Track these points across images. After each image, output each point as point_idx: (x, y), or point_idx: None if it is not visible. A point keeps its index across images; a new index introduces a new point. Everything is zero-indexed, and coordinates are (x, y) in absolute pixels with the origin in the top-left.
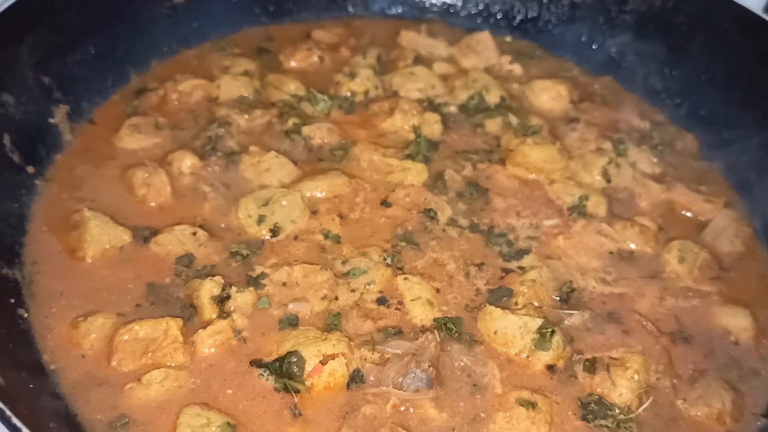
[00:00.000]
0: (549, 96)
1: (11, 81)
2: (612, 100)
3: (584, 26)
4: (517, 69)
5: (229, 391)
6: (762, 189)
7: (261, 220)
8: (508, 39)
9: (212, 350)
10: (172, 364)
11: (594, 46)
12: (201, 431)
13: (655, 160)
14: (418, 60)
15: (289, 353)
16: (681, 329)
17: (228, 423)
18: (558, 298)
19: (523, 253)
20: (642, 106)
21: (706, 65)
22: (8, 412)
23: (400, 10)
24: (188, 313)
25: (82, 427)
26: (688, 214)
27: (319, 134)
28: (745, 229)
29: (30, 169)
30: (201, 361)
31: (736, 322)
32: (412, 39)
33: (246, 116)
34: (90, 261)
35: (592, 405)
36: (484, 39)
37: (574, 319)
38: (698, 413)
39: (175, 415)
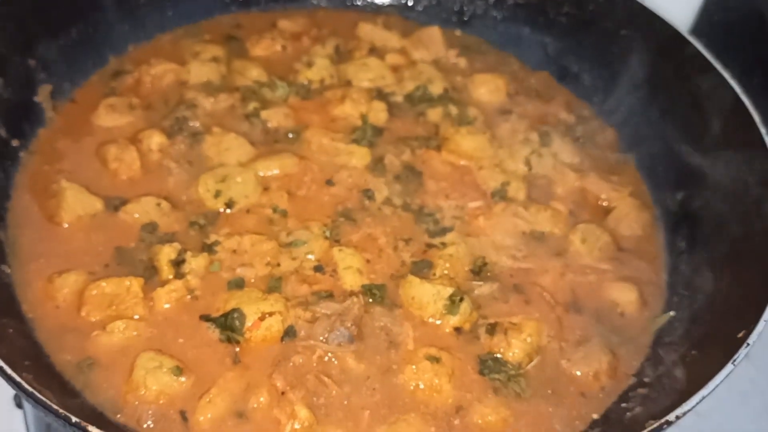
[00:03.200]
0: (488, 89)
1: (1, 64)
2: (545, 94)
3: (526, 25)
4: (462, 62)
5: (181, 341)
6: (666, 181)
7: (218, 194)
8: (458, 33)
9: (168, 306)
10: (134, 317)
11: (534, 43)
12: (153, 372)
13: (575, 151)
14: (373, 51)
15: (233, 310)
16: (575, 301)
17: (177, 366)
18: (471, 271)
19: (446, 230)
20: (571, 100)
21: (629, 68)
22: None
23: (359, 3)
24: (149, 274)
25: (54, 365)
26: (598, 201)
27: (276, 118)
28: (645, 216)
29: (15, 143)
30: (158, 314)
31: (624, 296)
32: (369, 31)
33: (212, 99)
34: (66, 226)
35: (489, 362)
36: (434, 33)
37: (484, 289)
38: (578, 372)
39: (133, 358)
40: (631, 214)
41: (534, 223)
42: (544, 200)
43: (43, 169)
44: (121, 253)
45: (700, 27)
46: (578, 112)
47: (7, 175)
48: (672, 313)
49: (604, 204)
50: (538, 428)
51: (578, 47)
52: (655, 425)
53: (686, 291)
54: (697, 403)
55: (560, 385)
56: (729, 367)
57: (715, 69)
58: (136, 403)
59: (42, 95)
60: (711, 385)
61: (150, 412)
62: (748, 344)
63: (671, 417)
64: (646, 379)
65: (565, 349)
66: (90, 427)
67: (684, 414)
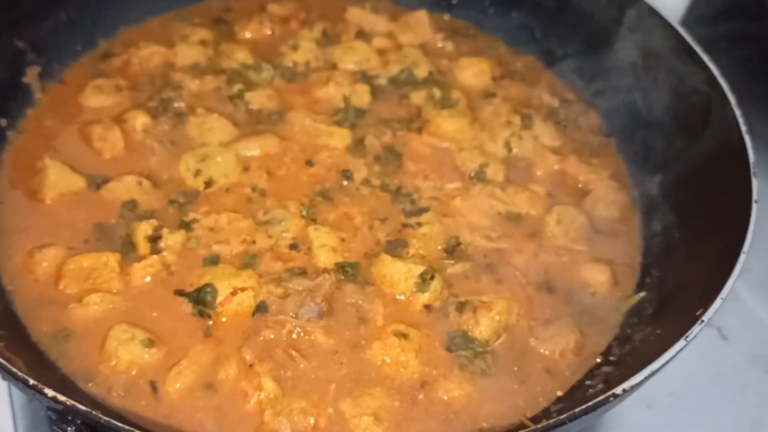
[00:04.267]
0: (472, 72)
1: None
2: (530, 77)
3: (513, 8)
4: (448, 46)
5: (155, 314)
6: (646, 164)
7: (198, 173)
8: (447, 17)
9: (144, 281)
10: (110, 290)
11: (521, 27)
12: (125, 343)
13: (556, 134)
14: (361, 34)
15: (205, 285)
16: (548, 281)
17: (149, 339)
18: (444, 250)
19: (422, 211)
20: (556, 84)
21: (614, 53)
22: None
23: None
24: (127, 249)
25: (30, 336)
26: (577, 183)
27: (259, 100)
28: (622, 198)
29: (2, 122)
30: (134, 289)
31: (597, 276)
32: (357, 15)
33: (197, 81)
34: (48, 202)
35: (457, 339)
36: (421, 17)
37: (456, 268)
38: (545, 350)
39: (107, 330)
40: (608, 197)
41: (510, 204)
42: (523, 182)
43: (29, 148)
44: (101, 229)
45: (697, 10)
46: (562, 96)
47: None
48: (643, 293)
49: (583, 186)
50: (501, 404)
51: (564, 31)
52: (601, 398)
53: (658, 272)
54: (646, 378)
55: (527, 362)
56: (681, 343)
57: (697, 57)
58: (108, 373)
59: (30, 76)
60: (661, 360)
61: (121, 382)
62: (703, 321)
63: (618, 390)
64: (611, 358)
65: (534, 328)
66: (46, 389)
67: (632, 387)
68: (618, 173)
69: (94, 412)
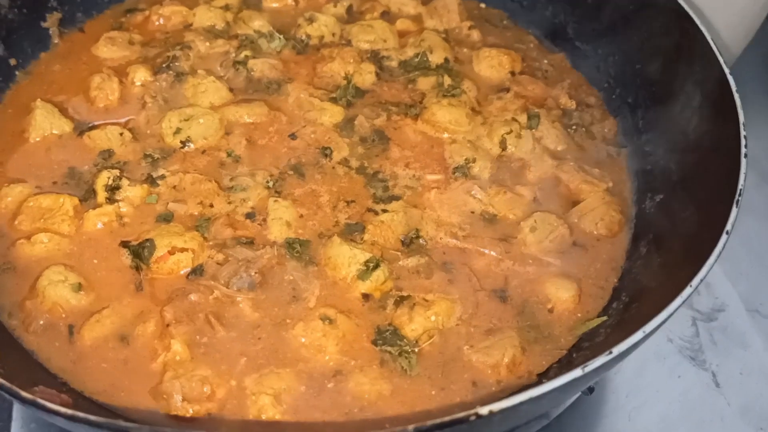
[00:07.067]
0: (489, 64)
1: None
2: (554, 76)
3: (550, 2)
4: (474, 35)
5: (95, 261)
6: (652, 181)
7: (177, 131)
8: (482, 5)
9: (95, 227)
10: (60, 232)
11: (555, 23)
12: (55, 284)
13: (562, 137)
14: (386, 14)
15: (146, 240)
16: (504, 289)
17: (79, 284)
18: (402, 242)
19: (393, 198)
20: (581, 86)
21: (642, 57)
22: None
23: None
24: (88, 196)
25: None
26: (570, 192)
27: (261, 68)
28: (613, 214)
29: (12, 61)
30: (83, 234)
31: (560, 293)
32: None
33: (208, 44)
34: (32, 142)
35: (387, 334)
36: (450, 3)
37: (409, 261)
38: (477, 359)
39: (45, 269)
40: (598, 210)
41: (488, 205)
42: (510, 183)
43: (31, 89)
44: (71, 174)
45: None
46: (583, 99)
47: None
48: (604, 318)
49: (575, 196)
50: (411, 408)
51: (599, 32)
52: (460, 415)
53: (628, 298)
54: (516, 405)
55: (454, 370)
56: (577, 372)
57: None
58: (32, 310)
59: (50, 22)
60: (529, 393)
61: (41, 320)
62: (611, 353)
63: (483, 411)
64: (545, 381)
65: (473, 335)
66: None
67: (491, 413)
68: (619, 188)
69: None
